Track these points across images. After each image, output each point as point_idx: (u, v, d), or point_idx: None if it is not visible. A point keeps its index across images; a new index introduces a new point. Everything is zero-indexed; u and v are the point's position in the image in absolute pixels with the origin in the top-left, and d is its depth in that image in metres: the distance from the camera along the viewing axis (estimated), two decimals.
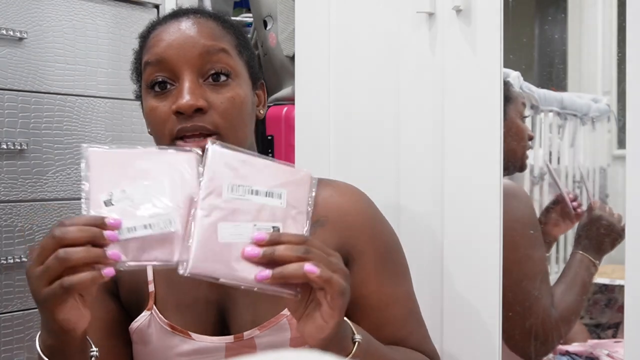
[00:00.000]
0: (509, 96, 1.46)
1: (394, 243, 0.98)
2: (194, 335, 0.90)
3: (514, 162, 1.46)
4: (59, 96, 1.50)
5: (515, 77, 1.50)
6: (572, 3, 1.72)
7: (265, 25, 1.74)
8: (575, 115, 1.66)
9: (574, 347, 1.45)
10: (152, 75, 0.89)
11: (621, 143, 1.69)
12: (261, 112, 0.98)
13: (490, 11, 1.12)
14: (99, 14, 1.56)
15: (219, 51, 0.89)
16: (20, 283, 1.44)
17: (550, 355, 1.40)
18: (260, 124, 1.66)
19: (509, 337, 1.28)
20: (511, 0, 1.17)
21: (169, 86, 0.88)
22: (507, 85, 1.47)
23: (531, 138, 1.49)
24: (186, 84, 0.87)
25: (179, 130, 0.87)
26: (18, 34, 1.42)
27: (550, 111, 1.60)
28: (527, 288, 1.29)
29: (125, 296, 0.96)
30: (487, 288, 1.15)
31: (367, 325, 0.88)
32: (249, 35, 1.02)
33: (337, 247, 0.90)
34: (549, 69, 1.70)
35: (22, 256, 1.43)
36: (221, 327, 0.92)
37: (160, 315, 0.91)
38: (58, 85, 1.50)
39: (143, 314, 0.92)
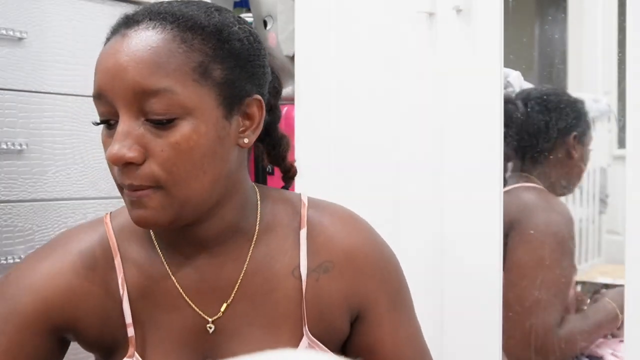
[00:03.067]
0: (589, 125, 1.51)
1: (401, 280, 0.90)
2: None
3: (574, 186, 1.52)
4: (59, 96, 1.50)
5: (515, 77, 1.50)
6: (572, 3, 1.72)
7: (265, 25, 1.74)
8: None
9: None
10: (97, 109, 0.75)
11: (621, 143, 1.69)
12: (245, 141, 0.77)
13: (490, 11, 1.12)
14: (99, 14, 1.56)
15: (159, 91, 0.70)
16: None
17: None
18: None
19: (508, 338, 1.29)
20: (511, 0, 1.17)
21: (112, 122, 0.73)
22: (587, 112, 1.52)
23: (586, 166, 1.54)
24: (119, 127, 0.71)
25: (120, 183, 0.74)
26: (18, 34, 1.42)
27: None
28: (545, 300, 1.31)
29: (93, 338, 0.81)
30: (487, 288, 1.15)
31: None
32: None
33: (345, 294, 0.84)
34: (549, 69, 1.70)
35: (22, 256, 1.43)
36: None
37: None
38: (58, 85, 1.49)
39: None
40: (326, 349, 0.82)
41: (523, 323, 1.31)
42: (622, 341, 1.44)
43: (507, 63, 1.15)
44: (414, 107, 1.23)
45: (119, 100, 0.71)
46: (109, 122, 0.74)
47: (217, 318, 0.81)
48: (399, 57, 1.24)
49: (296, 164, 0.94)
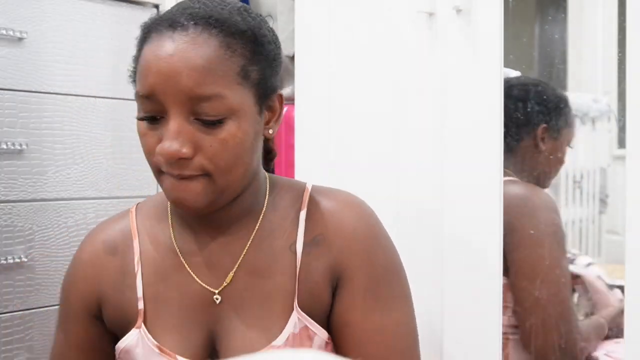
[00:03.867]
0: (569, 121, 1.49)
1: (391, 266, 0.90)
2: (181, 359, 0.85)
3: (545, 180, 1.50)
4: (59, 96, 1.50)
5: (515, 76, 1.50)
6: (572, 3, 1.72)
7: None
8: (575, 115, 1.66)
9: None
10: (142, 107, 0.80)
11: (621, 143, 1.69)
12: (270, 131, 0.86)
13: (490, 11, 1.12)
14: (99, 14, 1.56)
15: (211, 97, 0.77)
16: (20, 283, 1.44)
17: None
18: None
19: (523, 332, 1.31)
20: (511, 0, 1.17)
21: (159, 118, 0.80)
22: (570, 109, 1.50)
23: (563, 164, 1.53)
24: (171, 125, 0.77)
25: (168, 172, 0.80)
26: (18, 34, 1.42)
27: None
28: (556, 294, 1.31)
29: (111, 314, 0.91)
30: (487, 288, 1.15)
31: (353, 355, 0.84)
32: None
33: (329, 267, 0.87)
34: (549, 69, 1.70)
35: (22, 256, 1.43)
36: (210, 351, 0.87)
37: (148, 335, 0.86)
38: (58, 85, 1.50)
39: (131, 332, 0.88)
40: (312, 322, 0.86)
41: (534, 319, 1.30)
42: (617, 342, 1.45)
43: (507, 63, 1.15)
44: (414, 107, 1.23)
45: (171, 102, 0.77)
46: (153, 117, 0.80)
47: (222, 289, 0.87)
48: (398, 57, 1.24)
49: (276, 148, 1.00)
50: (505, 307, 1.38)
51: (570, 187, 1.67)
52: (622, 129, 1.51)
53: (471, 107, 1.15)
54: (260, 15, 0.88)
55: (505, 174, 1.46)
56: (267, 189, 0.92)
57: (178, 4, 0.84)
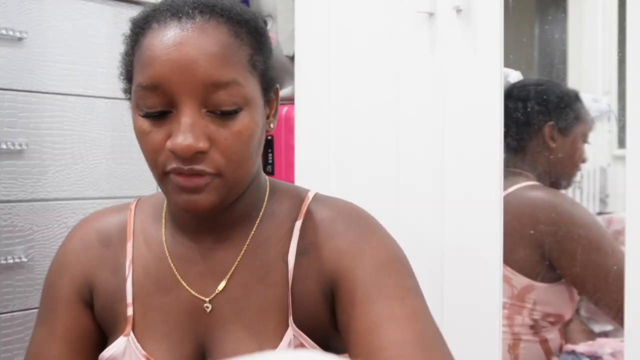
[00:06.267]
0: (580, 116, 1.48)
1: (389, 257, 0.81)
2: None
3: (567, 180, 1.49)
4: (59, 96, 1.50)
5: (515, 77, 1.50)
6: (572, 3, 1.72)
7: (265, 25, 1.74)
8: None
9: (581, 347, 1.45)
10: (145, 101, 0.74)
11: (621, 143, 1.69)
12: (272, 125, 0.83)
13: (490, 11, 1.12)
14: (99, 14, 1.56)
15: (229, 84, 0.73)
16: (20, 283, 1.44)
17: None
18: None
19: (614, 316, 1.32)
20: (511, 0, 1.17)
21: (165, 113, 0.74)
22: (581, 104, 1.48)
23: (584, 161, 1.51)
24: (185, 118, 0.72)
25: (175, 169, 0.74)
26: (18, 34, 1.42)
27: None
28: (617, 270, 1.29)
29: (98, 310, 0.86)
30: (487, 288, 1.15)
31: (360, 350, 0.74)
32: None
33: (319, 277, 0.81)
34: (549, 69, 1.70)
35: (22, 256, 1.43)
36: None
37: (137, 344, 0.82)
38: (58, 85, 1.50)
39: (119, 340, 0.83)
40: (310, 340, 0.80)
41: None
42: (622, 341, 1.45)
43: (507, 63, 1.14)
44: (414, 107, 1.22)
45: (183, 91, 0.72)
46: (158, 113, 0.74)
47: (213, 297, 0.82)
48: (399, 57, 1.24)
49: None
50: (522, 308, 1.38)
51: (570, 187, 1.67)
52: (622, 129, 1.51)
53: (471, 107, 1.15)
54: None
55: (525, 178, 1.45)
56: (267, 194, 0.87)
57: None
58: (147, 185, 1.61)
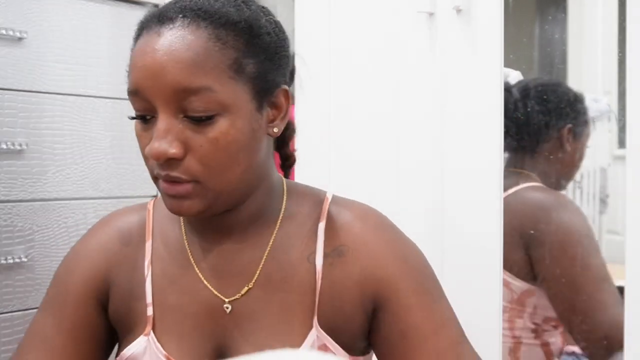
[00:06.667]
0: (587, 121, 1.46)
1: (424, 264, 0.88)
2: None
3: (566, 181, 1.49)
4: (59, 96, 1.50)
5: (515, 77, 1.50)
6: (572, 3, 1.72)
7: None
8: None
9: None
10: (133, 105, 0.76)
11: (621, 143, 1.69)
12: (275, 130, 0.80)
13: (490, 11, 1.12)
14: (99, 14, 1.56)
15: (200, 90, 0.72)
16: (20, 283, 1.44)
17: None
18: None
19: (577, 341, 1.29)
20: (511, 0, 1.17)
21: (148, 117, 0.75)
22: (586, 108, 1.47)
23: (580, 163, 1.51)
24: (159, 125, 0.73)
25: (157, 174, 0.76)
26: (18, 34, 1.42)
27: None
28: (593, 295, 1.27)
29: (114, 309, 0.86)
30: (487, 289, 1.15)
31: (421, 355, 0.80)
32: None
33: (359, 279, 0.82)
34: (549, 69, 1.70)
35: (22, 256, 1.43)
36: None
37: (157, 344, 0.82)
38: (58, 85, 1.50)
39: (139, 339, 0.83)
40: (333, 342, 0.82)
41: (593, 328, 1.27)
42: None
43: (507, 63, 1.14)
44: (414, 107, 1.22)
45: (157, 98, 0.73)
46: (144, 117, 0.75)
47: (234, 299, 0.82)
48: (398, 57, 1.24)
49: (296, 154, 0.95)
50: (521, 311, 1.38)
51: (570, 187, 1.67)
52: (622, 129, 1.50)
53: (471, 107, 1.15)
54: (264, 8, 0.83)
55: (528, 179, 1.45)
56: (285, 195, 0.87)
57: None
58: (147, 185, 1.61)
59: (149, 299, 0.84)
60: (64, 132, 1.50)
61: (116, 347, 0.91)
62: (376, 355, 0.86)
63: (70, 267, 0.88)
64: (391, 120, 1.26)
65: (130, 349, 0.83)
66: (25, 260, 1.44)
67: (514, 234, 1.30)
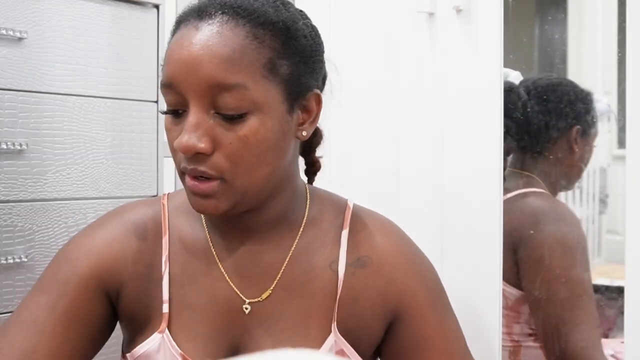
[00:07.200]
0: (595, 120, 1.45)
1: (436, 278, 0.91)
2: None
3: (572, 182, 1.48)
4: (59, 96, 1.50)
5: (515, 77, 1.50)
6: (572, 3, 1.72)
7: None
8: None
9: None
10: (165, 98, 0.77)
11: (621, 143, 1.69)
12: (304, 133, 0.80)
13: (490, 11, 1.12)
14: (99, 14, 1.56)
15: (234, 86, 0.72)
16: (20, 283, 1.44)
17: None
18: None
19: (550, 353, 1.28)
20: (511, 0, 1.17)
21: (180, 111, 0.76)
22: (594, 107, 1.45)
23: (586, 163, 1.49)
24: (190, 118, 0.73)
25: (183, 167, 0.76)
26: (18, 34, 1.42)
27: None
28: (568, 311, 1.27)
29: (128, 305, 0.84)
30: (487, 289, 1.15)
31: None
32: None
33: (382, 291, 0.84)
34: (549, 69, 1.70)
35: (22, 256, 1.43)
36: None
37: (173, 342, 0.81)
38: (58, 85, 1.50)
39: (153, 336, 0.82)
40: (351, 348, 0.82)
41: (569, 340, 1.27)
42: (623, 342, 1.44)
43: (507, 63, 1.14)
44: (414, 106, 1.22)
45: (190, 91, 0.73)
46: (176, 111, 0.76)
47: (254, 302, 0.82)
48: (399, 57, 1.24)
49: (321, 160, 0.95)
50: (517, 317, 1.38)
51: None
52: (622, 129, 1.50)
53: (471, 107, 1.15)
54: (301, 11, 0.83)
55: (531, 182, 1.42)
56: (308, 200, 0.87)
57: None
58: (147, 185, 1.61)
59: (165, 296, 0.82)
60: (64, 132, 1.50)
61: (117, 347, 0.90)
62: None
63: (76, 253, 0.84)
64: (391, 120, 1.26)
65: (144, 347, 0.82)
66: (25, 260, 1.44)
67: (506, 239, 1.30)
